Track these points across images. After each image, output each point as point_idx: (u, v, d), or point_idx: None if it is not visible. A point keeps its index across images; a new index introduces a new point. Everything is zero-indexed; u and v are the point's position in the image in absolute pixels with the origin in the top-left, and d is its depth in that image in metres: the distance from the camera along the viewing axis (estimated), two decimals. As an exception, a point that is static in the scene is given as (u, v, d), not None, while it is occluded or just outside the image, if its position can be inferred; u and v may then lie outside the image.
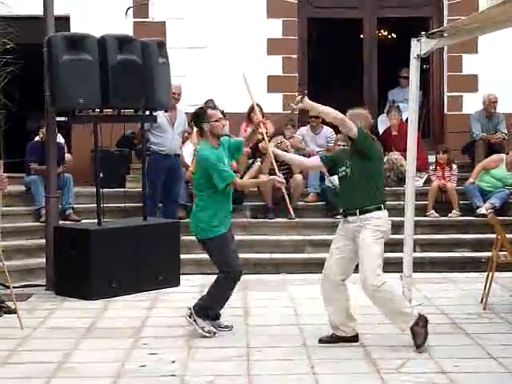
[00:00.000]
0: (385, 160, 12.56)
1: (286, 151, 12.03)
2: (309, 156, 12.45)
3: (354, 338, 7.27)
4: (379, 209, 7.11)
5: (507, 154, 12.07)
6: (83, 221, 11.27)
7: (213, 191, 7.36)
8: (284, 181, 7.52)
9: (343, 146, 11.95)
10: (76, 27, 12.40)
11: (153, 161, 11.20)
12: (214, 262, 7.63)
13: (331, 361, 6.75)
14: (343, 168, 7.19)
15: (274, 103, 13.38)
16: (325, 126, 12.96)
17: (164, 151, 11.26)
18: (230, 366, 6.62)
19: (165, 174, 11.24)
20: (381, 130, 13.48)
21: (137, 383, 6.29)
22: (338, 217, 11.64)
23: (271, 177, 7.89)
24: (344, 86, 17.01)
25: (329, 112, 7.15)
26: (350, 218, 7.12)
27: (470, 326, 7.82)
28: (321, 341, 7.25)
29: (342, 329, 7.24)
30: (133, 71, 9.45)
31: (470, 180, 12.05)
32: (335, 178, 11.90)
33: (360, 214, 7.03)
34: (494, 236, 8.96)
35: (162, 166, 11.18)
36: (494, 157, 12.24)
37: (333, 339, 7.25)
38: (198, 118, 7.53)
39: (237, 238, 11.08)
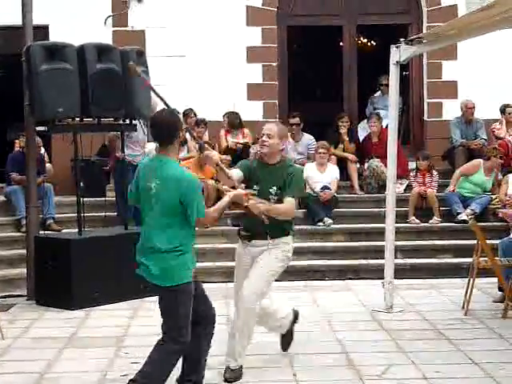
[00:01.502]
0: (365, 167, 12.67)
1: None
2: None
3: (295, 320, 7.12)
4: (288, 234, 6.60)
5: (487, 159, 12.11)
6: (64, 230, 11.23)
7: (183, 220, 5.68)
8: (250, 191, 6.28)
9: (323, 153, 12.08)
10: (55, 36, 12.33)
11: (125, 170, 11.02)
12: (173, 319, 5.80)
13: (314, 368, 6.75)
14: (256, 189, 6.40)
15: (253, 111, 13.40)
16: (305, 134, 13.00)
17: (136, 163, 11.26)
18: (212, 375, 6.59)
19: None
20: (361, 136, 13.51)
21: (119, 393, 6.27)
22: (320, 224, 11.70)
23: (235, 192, 6.16)
24: (324, 93, 17.09)
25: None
26: (257, 242, 6.49)
27: (452, 332, 7.84)
28: (285, 349, 7.13)
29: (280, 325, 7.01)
30: (112, 80, 9.43)
31: (450, 188, 12.09)
32: (317, 185, 11.97)
33: (271, 239, 6.46)
34: (474, 242, 8.98)
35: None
36: (472, 163, 12.29)
37: (286, 338, 7.10)
38: (178, 126, 5.78)
39: (218, 246, 11.20)
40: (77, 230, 9.61)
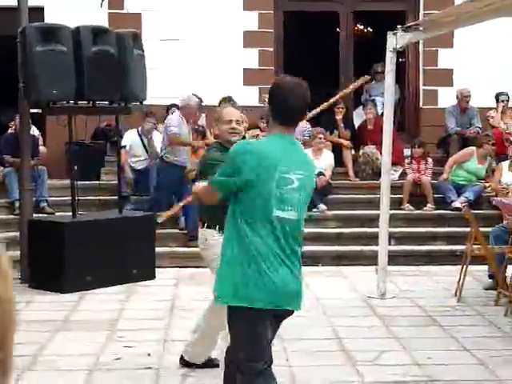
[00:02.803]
0: (360, 153, 12.67)
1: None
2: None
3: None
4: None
5: (479, 147, 12.10)
6: (58, 214, 11.21)
7: None
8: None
9: (321, 139, 12.07)
10: (50, 18, 12.26)
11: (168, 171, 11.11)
12: None
13: (307, 353, 6.76)
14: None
15: (249, 96, 13.35)
16: (300, 120, 12.96)
17: (178, 162, 11.17)
18: (205, 359, 6.61)
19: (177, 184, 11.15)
20: (356, 123, 13.52)
21: (111, 376, 6.27)
22: (314, 210, 11.68)
23: None
24: (320, 79, 17.03)
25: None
26: None
27: (444, 319, 7.86)
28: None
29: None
30: (108, 63, 9.39)
31: (444, 176, 12.09)
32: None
33: None
34: (467, 229, 9.01)
35: (176, 177, 11.03)
36: (465, 151, 12.29)
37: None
38: None
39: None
40: (70, 213, 9.59)
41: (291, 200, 4.26)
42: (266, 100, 4.59)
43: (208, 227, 5.89)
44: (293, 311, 4.46)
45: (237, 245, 4.27)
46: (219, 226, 5.54)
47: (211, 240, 5.82)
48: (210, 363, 6.32)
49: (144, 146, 11.98)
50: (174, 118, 10.91)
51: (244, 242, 4.24)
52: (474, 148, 12.19)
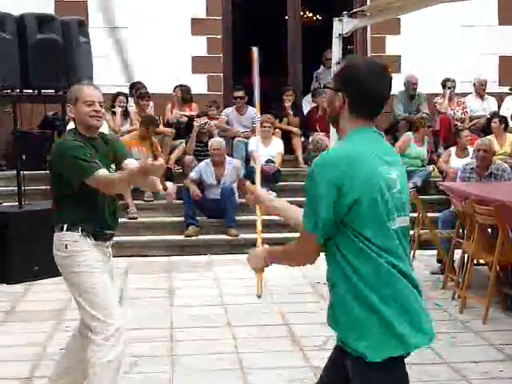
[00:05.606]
0: (310, 141, 12.68)
1: (210, 132, 12.03)
2: (233, 138, 12.47)
3: None
4: None
5: (415, 130, 12.10)
6: (3, 204, 11.06)
7: None
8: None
9: (268, 127, 12.06)
10: (-5, 6, 12.11)
11: None
12: None
13: (255, 340, 6.76)
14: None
15: (198, 84, 13.31)
16: (249, 107, 12.95)
17: None
18: (151, 347, 6.59)
19: None
20: (305, 110, 13.53)
21: (58, 366, 6.21)
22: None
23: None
24: (269, 66, 17.04)
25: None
26: (109, 243, 5.20)
27: (392, 304, 7.90)
28: None
29: None
30: (53, 51, 9.28)
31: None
32: (261, 159, 11.93)
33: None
34: (415, 214, 9.07)
35: None
36: (402, 138, 12.32)
37: None
38: None
39: (161, 219, 11.15)
40: (17, 203, 9.47)
41: (399, 204, 3.24)
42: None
43: (68, 229, 4.89)
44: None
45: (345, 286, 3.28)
46: (82, 228, 4.87)
47: (73, 247, 4.92)
48: None
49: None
50: None
51: (352, 281, 3.26)
52: (410, 133, 12.26)
